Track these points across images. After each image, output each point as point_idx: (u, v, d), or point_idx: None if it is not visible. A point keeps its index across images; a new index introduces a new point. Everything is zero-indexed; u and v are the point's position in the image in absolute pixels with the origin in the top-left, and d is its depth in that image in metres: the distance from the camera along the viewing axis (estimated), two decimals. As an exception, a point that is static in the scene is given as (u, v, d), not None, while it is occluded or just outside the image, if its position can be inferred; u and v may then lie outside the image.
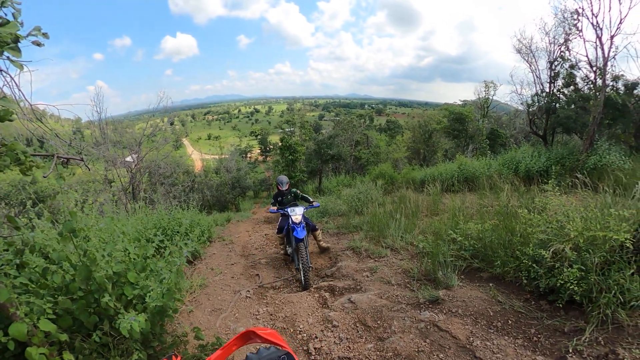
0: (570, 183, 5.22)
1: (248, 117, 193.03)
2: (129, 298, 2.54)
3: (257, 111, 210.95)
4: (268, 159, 63.56)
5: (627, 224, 2.89)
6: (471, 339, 2.96)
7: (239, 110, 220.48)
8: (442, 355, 2.83)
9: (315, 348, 3.20)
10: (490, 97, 17.41)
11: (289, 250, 6.05)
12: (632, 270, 2.80)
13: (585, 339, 2.65)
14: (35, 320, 1.99)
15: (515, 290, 3.63)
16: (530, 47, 10.93)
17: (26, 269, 2.31)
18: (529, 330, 2.97)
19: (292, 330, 3.67)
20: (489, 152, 15.81)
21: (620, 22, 7.94)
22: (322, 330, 3.52)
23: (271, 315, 4.11)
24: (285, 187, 6.29)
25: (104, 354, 2.38)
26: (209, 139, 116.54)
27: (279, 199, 6.40)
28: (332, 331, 3.47)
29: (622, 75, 8.84)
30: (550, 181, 5.74)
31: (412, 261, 4.91)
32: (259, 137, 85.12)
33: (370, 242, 6.10)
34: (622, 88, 9.01)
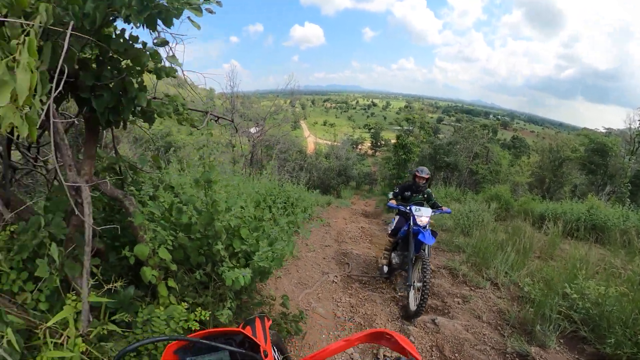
0: None
1: (364, 109, 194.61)
2: (235, 250, 2.81)
3: (375, 105, 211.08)
4: (377, 154, 63.51)
5: None
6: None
7: (357, 102, 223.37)
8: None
9: (384, 355, 3.27)
10: (645, 130, 14.46)
11: (396, 259, 4.99)
12: None
13: None
14: (156, 247, 2.28)
15: None
16: None
17: (156, 201, 2.65)
18: None
19: (367, 328, 3.79)
20: (629, 200, 13.24)
21: None
22: None
23: (352, 307, 4.28)
24: (423, 179, 5.16)
25: (199, 291, 2.66)
26: (325, 125, 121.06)
27: (406, 193, 5.37)
28: None
29: None
30: None
31: (511, 303, 4.58)
32: (372, 130, 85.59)
33: (471, 268, 5.74)
34: None
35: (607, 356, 3.34)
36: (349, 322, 3.91)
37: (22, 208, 2.11)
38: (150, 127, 2.57)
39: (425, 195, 5.30)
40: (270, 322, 2.43)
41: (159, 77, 2.24)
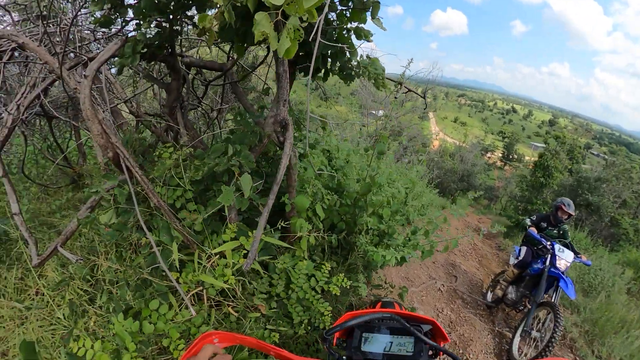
0: None
1: (502, 114, 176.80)
2: (369, 228, 2.87)
3: (515, 111, 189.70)
4: (506, 167, 58.05)
5: None
6: None
7: (495, 104, 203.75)
8: None
9: None
10: None
11: (511, 295, 4.57)
12: None
13: None
14: (312, 202, 2.34)
15: None
16: None
17: (305, 159, 2.65)
18: None
19: (460, 352, 3.79)
20: None
21: None
22: None
23: (451, 322, 4.29)
24: (566, 215, 4.64)
25: (327, 254, 2.79)
26: (455, 121, 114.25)
27: (542, 223, 4.87)
28: None
29: None
30: None
31: None
32: (506, 140, 77.88)
33: (582, 334, 4.91)
34: None
35: None
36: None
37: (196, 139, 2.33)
38: (348, 84, 2.47)
39: (562, 232, 4.77)
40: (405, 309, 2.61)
41: (358, 37, 2.10)
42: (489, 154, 67.00)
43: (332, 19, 2.15)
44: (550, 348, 3.40)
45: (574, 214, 4.62)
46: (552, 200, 15.94)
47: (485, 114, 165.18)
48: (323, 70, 2.30)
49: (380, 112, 16.03)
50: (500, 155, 72.91)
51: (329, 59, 2.24)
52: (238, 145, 2.04)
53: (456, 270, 6.29)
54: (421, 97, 3.27)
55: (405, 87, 2.90)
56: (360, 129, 15.12)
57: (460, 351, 3.76)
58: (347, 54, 2.15)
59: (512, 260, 4.90)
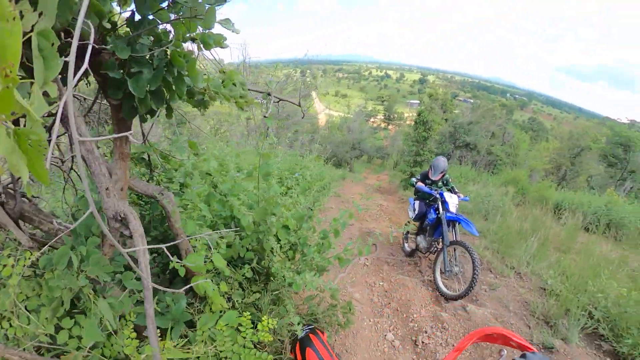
0: None
1: (378, 81, 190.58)
2: (281, 243, 2.63)
3: (388, 76, 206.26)
4: (390, 127, 62.85)
5: None
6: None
7: (370, 73, 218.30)
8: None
9: (422, 342, 3.42)
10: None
11: (423, 244, 5.09)
12: None
13: None
14: (208, 254, 2.02)
15: None
16: None
17: (188, 189, 2.43)
18: None
19: (404, 315, 3.91)
20: None
21: None
22: (432, 327, 3.68)
23: (386, 292, 4.38)
24: (437, 177, 5.18)
25: (245, 287, 2.54)
26: (336, 95, 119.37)
27: (427, 180, 5.34)
28: (441, 331, 3.62)
29: None
30: None
31: (535, 295, 4.70)
32: (385, 103, 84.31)
33: (494, 255, 5.81)
34: None
35: (622, 355, 3.50)
36: (386, 308, 4.05)
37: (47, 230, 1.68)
38: (203, 113, 2.10)
39: (445, 181, 5.33)
40: (325, 334, 2.47)
41: (207, 47, 1.65)
42: (372, 119, 71.83)
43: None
44: (476, 280, 3.87)
45: (437, 177, 5.16)
46: (436, 148, 18.11)
47: (363, 83, 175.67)
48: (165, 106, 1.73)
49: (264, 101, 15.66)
50: (383, 117, 78.93)
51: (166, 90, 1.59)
52: (84, 246, 1.57)
53: (372, 236, 6.38)
54: (296, 105, 3.02)
55: (276, 97, 2.70)
56: (247, 121, 14.60)
57: (405, 315, 3.87)
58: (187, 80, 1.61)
59: (411, 214, 5.36)
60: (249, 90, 2.22)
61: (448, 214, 4.61)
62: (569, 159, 19.23)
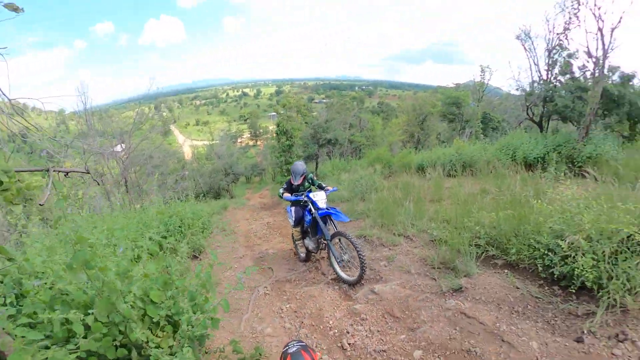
0: (567, 170, 5.43)
1: (236, 100, 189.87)
2: (153, 320, 2.25)
3: (246, 94, 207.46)
4: (258, 143, 63.11)
5: (631, 216, 3.11)
6: (497, 324, 3.12)
7: (227, 94, 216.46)
8: (473, 341, 2.96)
9: (349, 344, 3.25)
10: (486, 82, 17.31)
11: (311, 245, 5.22)
12: (638, 260, 3.02)
13: (597, 321, 2.87)
14: None
15: (530, 277, 3.81)
16: (529, 33, 11.00)
17: (27, 298, 2.05)
18: (547, 314, 3.18)
19: (321, 327, 3.65)
20: (483, 135, 15.85)
21: (622, 15, 7.92)
22: (351, 325, 3.55)
23: (295, 312, 4.07)
24: (298, 181, 5.35)
25: None
26: (198, 124, 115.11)
27: (293, 186, 5.50)
28: (361, 324, 3.52)
29: (619, 67, 9.15)
30: (550, 169, 6.07)
31: (428, 249, 4.97)
32: (248, 121, 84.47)
33: (381, 229, 6.04)
34: (618, 79, 9.28)
35: (514, 262, 4.04)
36: (301, 329, 3.70)
37: None
38: None
39: (310, 181, 5.50)
40: (317, 355, 2.17)
41: None
42: (239, 139, 71.27)
43: None
44: (364, 259, 4.19)
45: (299, 182, 5.34)
46: (303, 152, 18.77)
47: (222, 106, 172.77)
48: None
49: (119, 148, 13.71)
50: (249, 135, 78.91)
51: None
52: None
53: (267, 260, 5.99)
54: (85, 173, 2.49)
55: (57, 170, 2.21)
56: (98, 181, 12.68)
57: (322, 326, 3.66)
58: None
59: (291, 222, 5.50)
60: (23, 170, 1.90)
61: (320, 211, 4.82)
62: (418, 126, 21.89)
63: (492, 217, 4.52)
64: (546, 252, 3.53)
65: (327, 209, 4.84)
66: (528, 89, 11.42)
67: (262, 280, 5.14)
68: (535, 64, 11.13)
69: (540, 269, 3.62)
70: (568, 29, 9.87)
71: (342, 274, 4.54)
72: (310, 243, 5.22)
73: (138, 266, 2.48)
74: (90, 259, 1.99)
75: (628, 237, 3.10)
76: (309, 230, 5.20)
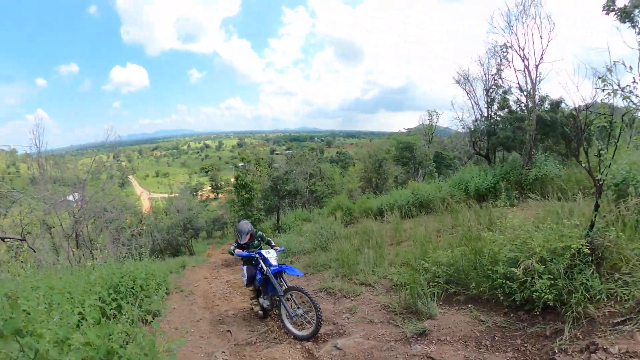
0: (517, 195, 5.71)
1: (198, 152, 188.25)
2: None
3: (207, 146, 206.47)
4: (220, 196, 62.07)
5: (578, 230, 3.29)
6: (467, 362, 2.99)
7: (188, 146, 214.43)
8: (444, 385, 2.79)
9: None
10: (434, 124, 18.44)
11: (266, 303, 5.23)
12: (591, 270, 3.15)
13: (566, 337, 2.89)
14: None
15: (493, 307, 3.80)
16: (467, 77, 12.03)
17: None
18: (516, 342, 3.16)
19: None
20: (437, 174, 16.56)
21: (543, 53, 9.50)
22: None
23: None
24: (245, 240, 5.41)
25: None
26: (157, 176, 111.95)
27: (244, 244, 5.51)
28: None
29: (547, 96, 10.38)
30: (501, 197, 6.38)
31: (389, 295, 4.88)
32: (209, 173, 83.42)
33: (342, 280, 5.93)
34: (548, 106, 10.46)
35: (475, 296, 4.03)
36: None
37: None
38: None
39: (260, 238, 5.61)
40: None
41: None
42: (200, 192, 69.77)
43: None
44: (319, 312, 4.18)
45: (246, 240, 5.40)
46: (263, 204, 18.63)
47: (183, 158, 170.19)
48: None
49: (71, 197, 12.69)
50: (210, 188, 77.58)
51: None
52: None
53: (226, 322, 5.59)
54: (20, 240, 2.35)
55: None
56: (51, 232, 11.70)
57: None
58: None
59: (244, 280, 5.46)
60: None
61: (272, 268, 4.90)
62: (374, 172, 22.63)
63: (449, 255, 4.58)
64: (504, 280, 3.56)
65: (278, 265, 4.96)
66: (472, 127, 12.26)
67: (221, 345, 4.72)
68: (476, 103, 12.07)
69: (501, 298, 3.64)
70: (500, 69, 11.03)
71: (294, 330, 4.51)
72: (265, 301, 5.21)
73: (78, 333, 2.24)
74: (24, 327, 1.79)
75: (578, 250, 3.21)
76: (260, 288, 5.24)
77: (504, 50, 10.61)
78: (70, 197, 12.39)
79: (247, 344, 4.70)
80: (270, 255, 5.01)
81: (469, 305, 3.96)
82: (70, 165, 15.73)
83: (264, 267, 4.96)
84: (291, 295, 4.72)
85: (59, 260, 6.39)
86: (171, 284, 8.15)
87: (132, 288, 5.85)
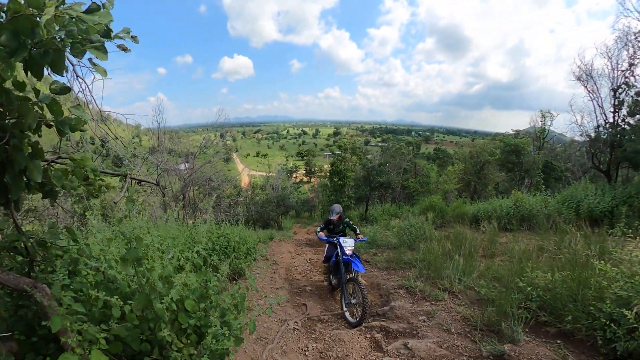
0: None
1: (296, 138, 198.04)
2: (182, 326, 2.33)
3: (305, 133, 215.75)
4: (312, 180, 64.28)
5: None
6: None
7: (288, 131, 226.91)
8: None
9: None
10: (547, 128, 16.31)
11: (334, 281, 6.01)
12: None
13: None
14: (86, 351, 1.80)
15: (587, 350, 3.34)
16: (590, 73, 10.14)
17: (78, 276, 2.22)
18: None
19: None
20: (544, 186, 14.75)
21: None
22: None
23: (321, 353, 3.92)
24: (334, 217, 6.26)
25: None
26: (258, 156, 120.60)
27: (330, 226, 6.46)
28: None
29: None
30: (619, 225, 5.39)
31: (473, 308, 4.59)
32: (305, 158, 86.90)
33: (426, 282, 5.72)
34: None
35: (568, 331, 3.55)
36: None
37: None
38: (52, 204, 2.05)
39: (345, 224, 6.48)
40: None
41: (61, 134, 1.72)
42: (294, 175, 73.14)
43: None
44: (366, 307, 4.59)
45: (335, 218, 6.27)
46: (354, 192, 18.74)
47: (282, 142, 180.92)
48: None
49: (183, 166, 14.89)
50: (304, 172, 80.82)
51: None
52: None
53: (303, 296, 5.95)
54: (155, 184, 2.80)
55: (133, 177, 2.54)
56: (164, 193, 13.61)
57: None
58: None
59: (324, 257, 6.27)
60: (106, 173, 2.26)
61: (344, 257, 5.38)
62: (475, 175, 21.03)
63: (548, 278, 4.09)
64: (609, 322, 3.07)
65: (350, 256, 5.34)
66: (593, 135, 10.46)
67: (294, 315, 5.09)
68: (599, 106, 10.18)
69: (600, 342, 3.15)
70: (634, 64, 9.01)
71: (346, 315, 4.95)
72: (334, 279, 6.00)
73: (180, 275, 2.59)
74: (141, 257, 2.22)
75: None
76: (332, 268, 5.95)
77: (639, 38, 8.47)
78: (182, 166, 14.40)
79: (319, 320, 5.01)
80: (347, 244, 5.47)
81: (559, 341, 3.50)
82: (184, 140, 17.94)
83: (339, 253, 5.50)
84: (352, 285, 5.11)
85: (167, 216, 7.34)
86: (259, 251, 8.80)
87: (226, 248, 6.50)
